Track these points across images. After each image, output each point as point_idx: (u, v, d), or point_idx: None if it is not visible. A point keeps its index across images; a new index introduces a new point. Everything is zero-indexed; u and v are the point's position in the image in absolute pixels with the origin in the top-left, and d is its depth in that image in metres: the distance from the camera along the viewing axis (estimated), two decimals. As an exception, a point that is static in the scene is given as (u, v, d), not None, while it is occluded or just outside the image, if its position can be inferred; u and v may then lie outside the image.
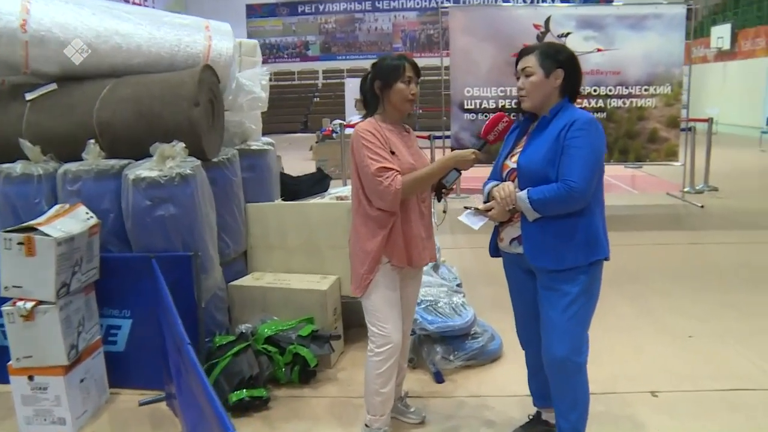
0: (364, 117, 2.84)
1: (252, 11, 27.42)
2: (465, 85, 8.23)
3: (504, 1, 8.70)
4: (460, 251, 6.14)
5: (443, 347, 3.63)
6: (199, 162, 3.44)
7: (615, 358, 3.77)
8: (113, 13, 3.73)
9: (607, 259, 2.56)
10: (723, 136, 16.45)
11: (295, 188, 4.64)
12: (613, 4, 9.34)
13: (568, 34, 8.01)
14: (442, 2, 8.75)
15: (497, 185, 2.61)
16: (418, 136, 10.39)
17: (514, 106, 8.53)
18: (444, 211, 2.88)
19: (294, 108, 24.54)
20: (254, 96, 4.17)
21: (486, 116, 8.22)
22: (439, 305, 3.73)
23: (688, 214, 8.23)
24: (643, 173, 11.56)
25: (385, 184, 2.59)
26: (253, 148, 4.19)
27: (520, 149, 2.62)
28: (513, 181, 2.60)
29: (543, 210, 2.46)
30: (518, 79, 2.61)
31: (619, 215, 7.95)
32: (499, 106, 8.19)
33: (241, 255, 4.09)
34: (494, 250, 2.76)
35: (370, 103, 2.81)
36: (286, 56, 27.72)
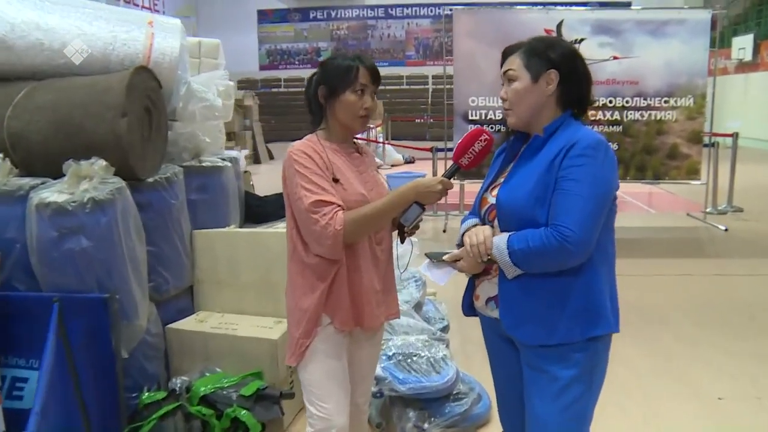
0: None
1: (263, 17, 26.97)
2: (469, 94, 7.61)
3: (514, 4, 8.10)
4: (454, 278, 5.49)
5: (417, 412, 2.99)
6: (122, 184, 2.83)
7: (625, 425, 3.12)
8: (35, 2, 3.15)
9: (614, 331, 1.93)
10: (744, 151, 15.63)
11: (261, 210, 4.04)
12: (632, 8, 8.66)
13: (582, 40, 7.35)
14: (443, 8, 8.10)
15: (472, 227, 2.00)
16: (420, 149, 9.91)
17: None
18: (405, 235, 2.20)
19: (304, 115, 23.84)
20: (208, 104, 3.57)
21: (492, 128, 7.59)
22: (414, 359, 3.09)
23: (711, 238, 7.52)
24: (661, 190, 10.84)
25: (321, 223, 1.97)
26: (204, 165, 3.58)
27: (503, 179, 1.99)
28: (492, 221, 1.97)
29: (526, 265, 1.83)
30: (502, 86, 2.00)
31: (635, 239, 7.27)
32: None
33: (186, 290, 3.48)
34: (469, 308, 2.12)
35: (314, 114, 2.19)
36: (297, 62, 27.22)
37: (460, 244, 2.07)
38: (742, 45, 21.08)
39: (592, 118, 7.49)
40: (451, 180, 2.06)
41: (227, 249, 3.41)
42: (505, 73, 1.95)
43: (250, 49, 25.86)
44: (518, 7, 8.09)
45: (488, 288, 1.98)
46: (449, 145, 8.18)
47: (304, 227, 2.05)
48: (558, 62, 1.90)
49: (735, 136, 8.88)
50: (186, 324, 3.29)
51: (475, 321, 2.13)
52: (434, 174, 8.96)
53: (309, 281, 2.11)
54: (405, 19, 26.53)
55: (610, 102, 7.45)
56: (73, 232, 2.67)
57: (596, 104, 7.45)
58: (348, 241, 2.02)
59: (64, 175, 2.78)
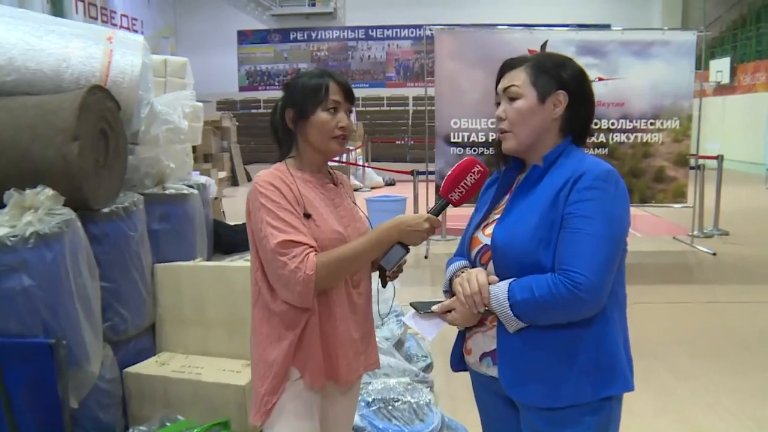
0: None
1: (243, 37, 26.77)
2: (451, 116, 7.40)
3: (493, 26, 7.92)
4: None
5: (400, 465, 2.72)
6: (73, 215, 2.54)
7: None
8: (-20, 15, 2.88)
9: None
10: (725, 173, 15.64)
11: (231, 240, 3.76)
12: (613, 28, 8.53)
13: (566, 61, 7.20)
14: (424, 28, 7.91)
15: (462, 270, 1.74)
16: (401, 172, 9.68)
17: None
18: (387, 279, 1.91)
19: (283, 136, 23.72)
20: (172, 126, 3.30)
21: (475, 151, 7.39)
22: (395, 406, 2.81)
23: (699, 263, 7.34)
24: (646, 213, 10.69)
25: (290, 267, 1.71)
26: (167, 192, 3.30)
27: (499, 215, 1.74)
28: (485, 264, 1.72)
29: (531, 317, 1.58)
30: (497, 105, 1.75)
31: (622, 263, 7.06)
32: (489, 140, 7.35)
33: (147, 329, 3.18)
34: (459, 363, 1.86)
35: (282, 142, 1.94)
36: (277, 84, 26.96)
37: (448, 291, 1.82)
38: (720, 68, 21.29)
39: (577, 141, 7.32)
40: (439, 217, 1.80)
41: (192, 284, 3.13)
42: (506, 89, 1.70)
43: (230, 70, 25.67)
44: (500, 27, 7.93)
45: (483, 342, 1.72)
46: (431, 167, 7.95)
47: (270, 270, 1.78)
48: (568, 83, 1.68)
49: (720, 158, 8.76)
50: (145, 367, 2.99)
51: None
52: (415, 198, 8.72)
53: (276, 330, 1.84)
54: (385, 41, 26.50)
55: (596, 124, 7.27)
56: (13, 269, 2.36)
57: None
58: (321, 287, 1.76)
59: (5, 206, 2.50)
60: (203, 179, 3.93)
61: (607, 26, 16.60)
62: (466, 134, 7.42)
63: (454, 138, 7.42)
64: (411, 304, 1.80)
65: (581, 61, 6.78)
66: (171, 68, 3.69)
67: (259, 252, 1.82)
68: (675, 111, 7.27)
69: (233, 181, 15.63)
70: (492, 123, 7.29)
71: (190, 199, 3.41)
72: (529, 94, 1.67)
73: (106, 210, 2.82)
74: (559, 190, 1.61)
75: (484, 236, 1.73)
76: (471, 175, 1.78)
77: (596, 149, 7.28)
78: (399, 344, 3.60)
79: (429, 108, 7.83)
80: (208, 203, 3.81)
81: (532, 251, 1.59)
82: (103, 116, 2.84)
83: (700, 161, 8.57)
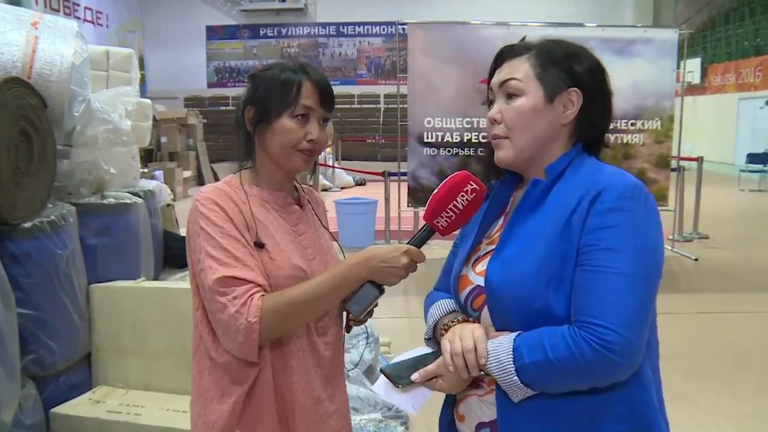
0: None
1: (212, 33, 26.16)
2: (425, 115, 7.00)
3: (464, 23, 7.57)
4: (409, 321, 4.89)
5: None
6: (-19, 232, 2.14)
7: None
8: None
9: None
10: (695, 174, 15.59)
11: (183, 253, 3.34)
12: (586, 25, 8.23)
13: (544, 58, 6.89)
14: (397, 24, 7.53)
15: (451, 320, 1.37)
16: (372, 173, 9.23)
17: (479, 140, 7.41)
18: (352, 323, 1.54)
19: (253, 135, 23.26)
20: (112, 126, 2.89)
21: (450, 152, 7.03)
22: (367, 450, 2.45)
23: (682, 270, 7.07)
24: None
25: (229, 310, 1.34)
26: (106, 202, 2.88)
27: (492, 246, 1.36)
28: (478, 310, 1.34)
29: (543, 384, 1.21)
30: (490, 104, 1.37)
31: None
32: (464, 140, 7.01)
33: (82, 361, 2.77)
34: (448, 429, 1.47)
35: (244, 146, 1.56)
36: (245, 80, 26.43)
37: (431, 339, 1.44)
38: (691, 68, 21.32)
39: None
40: (421, 249, 1.40)
41: (133, 308, 2.72)
42: (503, 83, 1.32)
43: (198, 66, 25.11)
44: (474, 22, 7.59)
45: (479, 409, 1.34)
46: (403, 168, 7.58)
47: (209, 312, 1.41)
48: (583, 78, 1.31)
49: (700, 160, 8.54)
50: (77, 407, 2.58)
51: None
52: (386, 200, 8.33)
53: (219, 385, 1.46)
54: (356, 38, 26.17)
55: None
56: None
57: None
58: (268, 337, 1.38)
59: None
60: (152, 184, 3.51)
61: (580, 25, 16.45)
62: (440, 134, 7.06)
63: (427, 138, 7.04)
64: (382, 372, 1.39)
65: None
66: (114, 60, 3.28)
67: (199, 288, 1.44)
68: (657, 111, 7.01)
69: (199, 181, 15.15)
70: (467, 123, 6.98)
71: (133, 209, 2.99)
72: (534, 90, 1.30)
73: (27, 225, 2.41)
74: (571, 212, 1.24)
75: (476, 275, 1.36)
76: (463, 195, 1.36)
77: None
78: (369, 371, 3.22)
79: (402, 106, 7.46)
80: (157, 212, 3.40)
81: (539, 294, 1.22)
82: (22, 115, 2.42)
83: (684, 164, 8.35)
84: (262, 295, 1.37)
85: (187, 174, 13.65)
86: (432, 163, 7.06)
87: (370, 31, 25.80)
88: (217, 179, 12.41)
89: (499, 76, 1.33)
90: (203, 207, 1.42)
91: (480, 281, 1.33)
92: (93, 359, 2.81)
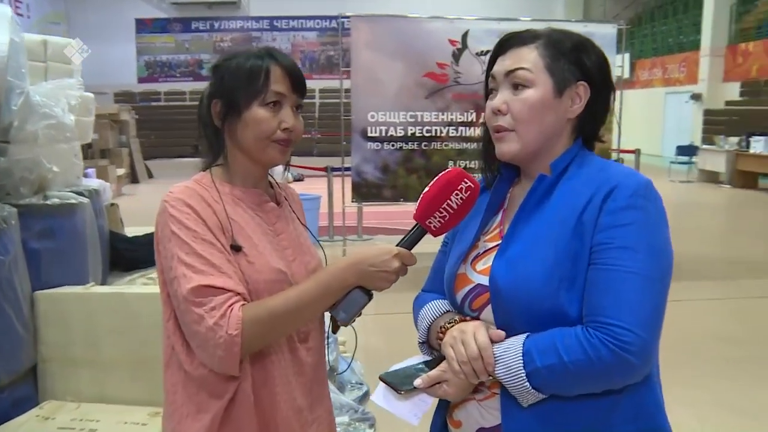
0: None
1: (142, 26, 25.44)
2: (368, 109, 6.92)
3: (400, 17, 7.50)
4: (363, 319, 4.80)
5: None
6: None
7: None
8: None
9: None
10: (627, 165, 16.07)
11: (132, 255, 3.19)
12: (521, 19, 8.27)
13: (488, 52, 6.81)
14: (339, 18, 7.40)
15: (447, 322, 1.30)
16: (313, 168, 9.08)
17: (423, 134, 7.34)
18: (334, 327, 1.41)
19: (185, 130, 22.72)
20: (54, 122, 2.70)
21: (394, 146, 6.97)
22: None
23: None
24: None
25: (207, 322, 1.23)
26: (50, 203, 2.70)
27: (493, 244, 1.30)
28: (477, 311, 1.28)
29: (555, 388, 1.17)
30: (489, 93, 1.31)
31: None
32: (408, 134, 6.97)
33: (27, 373, 2.58)
34: None
35: (211, 144, 1.45)
36: (178, 75, 25.86)
37: (425, 342, 1.37)
38: (620, 63, 21.91)
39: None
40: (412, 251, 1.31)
41: (84, 315, 2.55)
42: (510, 73, 1.26)
43: (128, 60, 24.39)
44: (418, 15, 7.55)
45: (480, 414, 1.28)
46: (346, 163, 7.48)
47: (183, 324, 1.30)
48: (592, 72, 1.26)
49: (637, 152, 8.77)
50: (23, 424, 2.39)
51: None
52: (330, 196, 8.23)
53: (194, 399, 1.34)
54: (290, 32, 25.96)
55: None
56: None
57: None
58: (249, 350, 1.29)
59: None
60: (96, 183, 3.32)
61: (515, 19, 16.70)
62: (383, 128, 7.00)
63: (371, 132, 6.98)
64: (381, 379, 1.31)
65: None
66: (52, 51, 3.07)
67: (170, 297, 1.32)
68: (598, 105, 7.13)
69: (132, 178, 14.70)
70: (411, 117, 6.94)
71: (79, 209, 2.81)
72: (544, 82, 1.24)
73: (-36, 229, 2.22)
74: (581, 210, 1.19)
75: (476, 273, 1.29)
76: (457, 194, 1.27)
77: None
78: (332, 371, 3.14)
79: (345, 101, 7.36)
80: (102, 213, 3.21)
81: (551, 295, 1.17)
82: (-42, 109, 2.23)
83: (622, 156, 8.55)
84: (243, 304, 1.27)
85: (121, 171, 13.21)
86: (376, 157, 7.01)
87: (304, 26, 25.60)
88: (151, 176, 12.01)
89: (505, 64, 1.27)
90: (173, 209, 1.31)
91: (481, 280, 1.27)
92: (39, 372, 2.62)
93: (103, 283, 3.01)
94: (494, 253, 1.27)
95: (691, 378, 3.91)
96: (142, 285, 3.01)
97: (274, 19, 25.41)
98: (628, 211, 1.16)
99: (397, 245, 1.29)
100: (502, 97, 1.27)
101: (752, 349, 4.55)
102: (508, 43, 1.28)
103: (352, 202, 7.15)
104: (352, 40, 7.00)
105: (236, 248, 1.32)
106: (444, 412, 1.39)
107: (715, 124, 16.19)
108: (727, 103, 16.99)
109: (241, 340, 1.24)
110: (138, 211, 5.32)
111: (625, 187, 1.18)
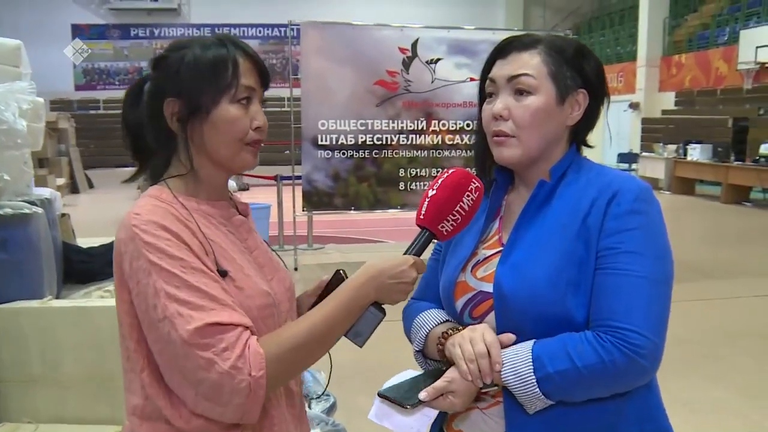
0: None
1: (79, 31, 24.72)
2: (319, 117, 6.87)
3: (345, 24, 7.44)
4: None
5: None
6: None
7: None
8: None
9: None
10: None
11: (86, 267, 3.07)
12: (466, 28, 8.31)
13: (438, 60, 6.97)
14: (289, 26, 7.35)
15: (449, 329, 1.27)
16: (262, 177, 8.93)
17: (374, 142, 7.27)
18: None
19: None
20: (5, 127, 2.58)
21: (345, 154, 6.94)
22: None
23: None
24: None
25: (221, 366, 1.05)
26: (2, 213, 2.56)
27: (492, 251, 1.29)
28: (478, 319, 1.27)
29: (565, 394, 1.16)
30: (487, 96, 1.29)
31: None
32: (359, 142, 6.95)
33: (-20, 393, 2.46)
34: None
35: (153, 152, 1.25)
36: (117, 83, 25.28)
37: (420, 351, 1.34)
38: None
39: (450, 143, 7.14)
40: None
41: (41, 331, 2.43)
42: (513, 78, 1.24)
43: (64, 66, 23.65)
44: (368, 23, 7.55)
45: (483, 422, 1.26)
46: (297, 172, 7.40)
47: (179, 372, 1.09)
48: (591, 79, 1.27)
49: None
50: (-22, 447, 2.27)
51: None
52: (279, 205, 8.13)
53: None
54: (233, 40, 25.62)
55: (468, 125, 7.08)
56: None
57: (454, 128, 7.08)
58: (271, 391, 1.14)
59: None
60: (47, 192, 3.19)
61: (459, 28, 16.93)
62: (334, 136, 6.98)
63: (321, 140, 6.93)
64: (381, 395, 1.24)
65: (453, 61, 6.46)
66: (0, 53, 2.94)
67: (148, 338, 1.12)
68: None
69: (72, 188, 14.27)
70: (361, 125, 6.93)
71: (32, 219, 2.68)
72: (547, 89, 1.23)
73: None
74: (584, 215, 1.19)
75: (477, 280, 1.28)
76: (468, 195, 1.23)
77: (468, 151, 7.02)
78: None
79: (295, 109, 7.28)
80: (55, 223, 3.07)
81: (557, 301, 1.16)
82: None
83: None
84: (257, 339, 1.11)
85: (61, 181, 12.79)
86: (327, 165, 6.99)
87: (246, 33, 25.36)
88: (92, 186, 11.58)
89: (506, 69, 1.25)
90: (147, 234, 1.10)
91: (483, 287, 1.26)
92: (-7, 391, 2.49)
93: (58, 296, 2.89)
94: (494, 260, 1.26)
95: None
96: (99, 298, 2.89)
97: (216, 26, 25.07)
98: (633, 216, 1.17)
99: (405, 253, 1.22)
100: (503, 103, 1.25)
101: (700, 349, 4.69)
102: (508, 47, 1.27)
103: (303, 211, 7.08)
104: (301, 47, 6.95)
105: (222, 273, 1.15)
106: (441, 423, 1.36)
107: (653, 132, 16.74)
108: (664, 111, 17.58)
109: (266, 381, 1.08)
110: (84, 222, 5.16)
111: (628, 192, 1.19)
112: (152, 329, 1.10)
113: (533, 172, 1.29)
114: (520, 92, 1.23)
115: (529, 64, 1.23)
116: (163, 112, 1.20)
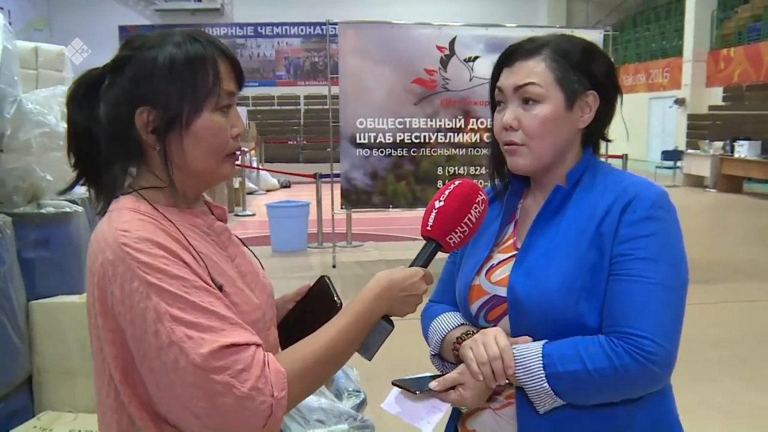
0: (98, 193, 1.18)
1: (125, 33, 25.24)
2: (357, 116, 6.93)
3: (382, 23, 7.47)
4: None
5: None
6: None
7: None
8: None
9: None
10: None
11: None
12: (507, 25, 8.30)
13: (476, 58, 6.94)
14: (327, 25, 7.37)
15: (465, 333, 1.29)
16: (300, 174, 9.06)
17: (412, 141, 7.29)
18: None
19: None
20: (48, 130, 2.68)
21: (383, 152, 6.97)
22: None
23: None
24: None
25: (240, 389, 0.98)
26: (45, 211, 2.67)
27: (507, 255, 1.30)
28: (493, 322, 1.29)
29: (575, 396, 1.17)
30: (497, 105, 1.30)
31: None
32: (397, 141, 6.97)
33: (22, 385, 2.55)
34: None
35: (110, 160, 1.12)
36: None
37: (437, 355, 1.36)
38: (605, 68, 22.13)
39: (488, 141, 7.10)
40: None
41: (80, 324, 2.51)
42: (519, 88, 1.24)
43: (111, 68, 24.16)
44: (404, 21, 7.56)
45: (495, 423, 1.28)
46: (335, 170, 7.46)
47: (187, 399, 0.99)
48: (600, 80, 1.27)
49: (625, 157, 8.82)
50: (20, 435, 2.37)
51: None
52: (318, 203, 8.20)
53: None
54: (275, 38, 25.88)
55: (506, 124, 7.03)
56: None
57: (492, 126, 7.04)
58: (287, 412, 1.07)
59: None
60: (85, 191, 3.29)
61: (502, 26, 16.81)
62: (372, 135, 7.01)
63: (360, 139, 6.98)
64: (394, 384, 1.28)
65: (491, 59, 6.43)
66: (44, 59, 3.05)
67: (141, 369, 1.02)
68: (585, 110, 7.18)
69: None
70: (399, 123, 6.95)
71: (73, 218, 2.78)
72: (555, 96, 1.23)
73: (-40, 239, 2.19)
74: (599, 221, 1.20)
75: (492, 284, 1.29)
76: (476, 207, 1.22)
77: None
78: (328, 383, 3.12)
79: (333, 107, 7.35)
80: (95, 221, 3.18)
81: (570, 305, 1.18)
82: (-47, 118, 2.20)
83: (611, 161, 8.59)
84: (269, 355, 1.05)
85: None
86: (365, 164, 7.01)
87: (288, 32, 25.57)
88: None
89: (513, 78, 1.26)
90: (140, 253, 1.00)
91: (497, 291, 1.27)
92: (35, 383, 2.59)
93: (98, 292, 2.98)
94: (509, 264, 1.27)
95: (681, 383, 3.94)
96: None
97: (258, 25, 25.36)
98: (648, 222, 1.17)
99: (411, 265, 1.21)
100: (512, 113, 1.26)
101: (737, 351, 4.60)
102: (513, 54, 1.28)
103: (342, 208, 7.13)
104: (339, 47, 7.01)
105: (218, 287, 1.07)
106: (455, 422, 1.39)
107: (699, 128, 16.35)
108: (711, 107, 17.15)
109: (288, 401, 1.02)
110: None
111: (644, 198, 1.19)
112: (149, 358, 0.99)
113: (548, 177, 1.30)
114: (528, 101, 1.24)
115: (535, 71, 1.24)
116: (132, 122, 1.08)
